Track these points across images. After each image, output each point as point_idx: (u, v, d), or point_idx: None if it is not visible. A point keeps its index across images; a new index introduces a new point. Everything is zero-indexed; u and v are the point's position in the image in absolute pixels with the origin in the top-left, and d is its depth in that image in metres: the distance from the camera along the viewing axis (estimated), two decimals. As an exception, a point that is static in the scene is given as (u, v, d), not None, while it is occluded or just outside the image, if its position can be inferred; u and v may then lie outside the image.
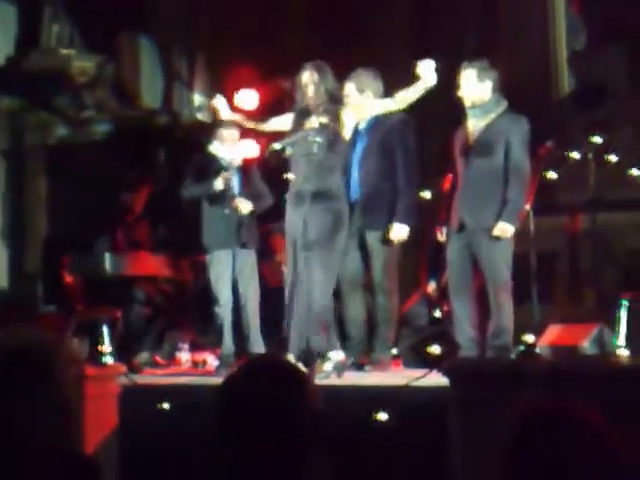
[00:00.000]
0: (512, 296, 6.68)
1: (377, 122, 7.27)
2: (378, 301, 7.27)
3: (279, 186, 7.37)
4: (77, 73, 10.63)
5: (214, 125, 8.08)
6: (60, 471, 2.46)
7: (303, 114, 7.09)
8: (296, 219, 6.91)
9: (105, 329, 6.62)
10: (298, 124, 7.09)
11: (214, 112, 7.65)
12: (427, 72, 6.86)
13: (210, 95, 8.99)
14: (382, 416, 5.56)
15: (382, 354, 7.26)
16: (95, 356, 6.60)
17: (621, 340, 5.54)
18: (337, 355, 6.87)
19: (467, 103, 6.85)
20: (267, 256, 8.46)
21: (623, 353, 5.50)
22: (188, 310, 8.92)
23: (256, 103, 7.63)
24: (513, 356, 6.06)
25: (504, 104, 6.88)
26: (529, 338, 5.67)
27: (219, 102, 7.43)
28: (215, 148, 7.89)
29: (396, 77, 7.47)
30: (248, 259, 7.78)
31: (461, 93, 6.84)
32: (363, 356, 7.28)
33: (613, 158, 7.86)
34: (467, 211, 6.78)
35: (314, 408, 2.36)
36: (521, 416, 2.23)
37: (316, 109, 7.03)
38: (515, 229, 6.68)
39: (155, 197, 9.30)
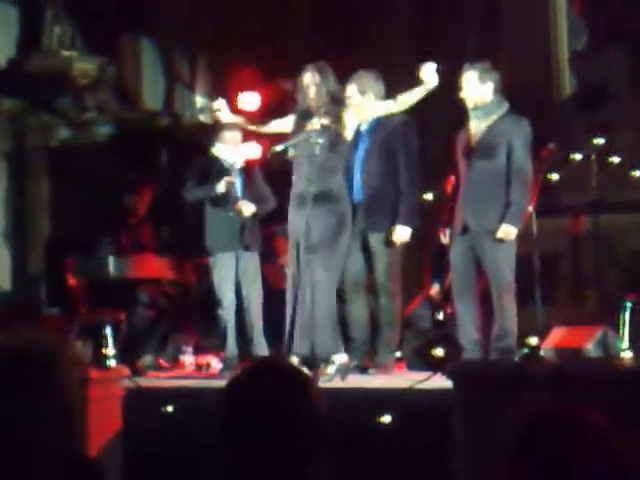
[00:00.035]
0: (515, 298, 6.68)
1: (379, 124, 7.26)
2: (381, 303, 7.26)
3: (282, 188, 7.37)
4: (79, 75, 10.62)
5: (216, 127, 8.08)
6: (64, 473, 2.46)
7: (305, 116, 7.08)
8: (299, 221, 6.90)
9: (109, 332, 6.61)
10: (300, 126, 7.08)
11: (216, 114, 7.64)
12: (429, 74, 6.85)
13: (212, 97, 8.99)
14: (386, 419, 5.56)
15: (386, 357, 7.25)
16: (99, 359, 6.59)
17: (625, 342, 5.52)
18: (340, 358, 6.85)
19: (469, 105, 6.84)
20: (270, 258, 8.46)
21: (627, 355, 5.49)
22: (192, 313, 8.91)
23: (258, 105, 7.64)
24: (517, 358, 6.07)
25: (506, 106, 6.87)
26: (533, 340, 5.68)
27: (221, 104, 7.43)
28: (217, 150, 7.89)
29: (398, 79, 7.48)
30: (251, 261, 7.77)
31: (463, 95, 6.83)
32: (367, 359, 7.27)
33: (615, 160, 7.87)
34: (470, 213, 6.77)
35: (317, 411, 2.36)
36: (525, 418, 2.22)
37: (318, 111, 7.02)
38: (518, 231, 6.68)
39: (158, 199, 9.28)
